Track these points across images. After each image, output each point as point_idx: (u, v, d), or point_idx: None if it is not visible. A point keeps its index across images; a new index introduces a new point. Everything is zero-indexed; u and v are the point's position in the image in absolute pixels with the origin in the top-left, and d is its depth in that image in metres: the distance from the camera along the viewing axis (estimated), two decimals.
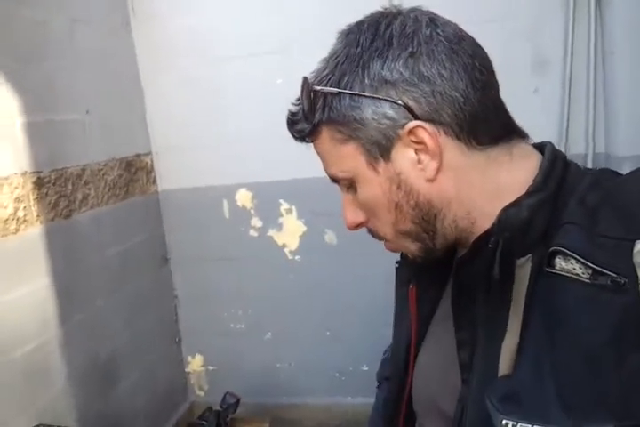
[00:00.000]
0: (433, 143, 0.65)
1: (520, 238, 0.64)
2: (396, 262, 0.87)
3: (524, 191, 0.66)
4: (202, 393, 2.73)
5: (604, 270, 0.56)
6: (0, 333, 1.60)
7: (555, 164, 0.68)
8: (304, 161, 2.32)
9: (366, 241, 2.56)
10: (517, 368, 0.61)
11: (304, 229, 2.51)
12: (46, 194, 1.81)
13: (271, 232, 2.53)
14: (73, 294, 1.92)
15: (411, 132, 0.66)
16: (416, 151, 0.67)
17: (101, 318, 2.07)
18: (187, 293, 2.66)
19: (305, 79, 0.70)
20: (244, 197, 2.51)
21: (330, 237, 2.48)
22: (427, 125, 0.65)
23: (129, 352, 2.23)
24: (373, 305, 2.31)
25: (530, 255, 0.63)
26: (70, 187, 1.93)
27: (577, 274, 0.58)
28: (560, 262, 0.60)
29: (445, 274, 0.79)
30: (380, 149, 0.68)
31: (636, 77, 2.03)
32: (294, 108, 0.73)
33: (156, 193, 2.55)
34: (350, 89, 0.67)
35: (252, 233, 2.54)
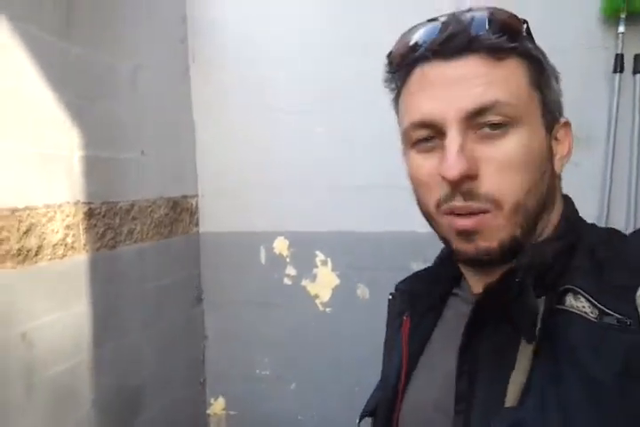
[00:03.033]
0: (570, 143, 0.73)
1: (542, 278, 0.66)
2: (390, 294, 0.90)
3: (549, 233, 0.71)
4: None
5: (610, 312, 0.59)
6: (36, 351, 1.67)
7: (576, 215, 0.74)
8: (343, 214, 2.43)
9: None
10: (524, 400, 0.62)
11: (337, 281, 2.54)
12: (95, 225, 1.92)
13: (305, 282, 2.57)
14: (108, 323, 1.99)
15: (563, 124, 0.72)
16: (559, 142, 0.72)
17: (132, 350, 2.13)
18: (216, 334, 2.70)
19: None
20: (281, 245, 2.58)
21: (362, 291, 2.51)
22: (570, 127, 0.74)
23: (154, 386, 2.27)
24: None
25: (544, 298, 0.65)
26: (118, 220, 2.04)
27: (585, 312, 0.61)
28: (570, 300, 0.63)
29: (438, 306, 0.82)
30: (550, 119, 0.71)
31: None
32: (481, 16, 0.66)
33: (197, 234, 2.65)
34: (544, 55, 0.74)
35: (286, 281, 2.59)
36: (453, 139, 0.64)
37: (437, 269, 0.87)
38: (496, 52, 0.65)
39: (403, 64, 0.69)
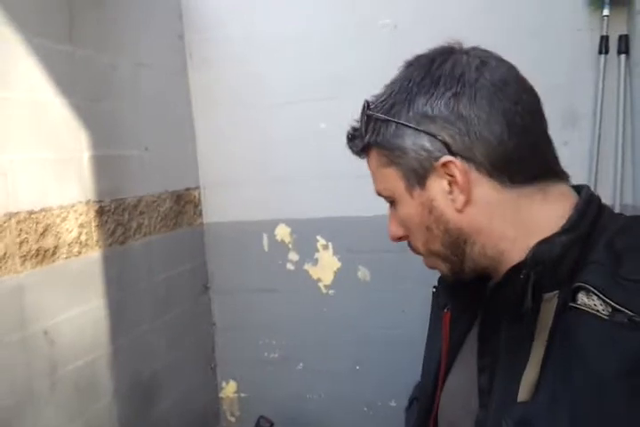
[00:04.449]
0: (462, 178, 0.70)
1: (550, 274, 0.66)
2: (434, 287, 0.91)
3: (556, 229, 0.69)
4: (233, 419, 2.81)
5: (622, 308, 0.58)
6: (58, 348, 1.74)
7: (589, 205, 0.71)
8: (342, 200, 2.50)
9: (398, 278, 2.65)
10: (535, 396, 0.64)
11: (339, 265, 2.61)
12: (106, 221, 1.98)
13: (307, 266, 2.64)
14: (122, 316, 2.06)
15: (444, 165, 0.70)
16: (449, 183, 0.71)
17: (145, 340, 2.20)
18: (224, 321, 2.78)
19: (365, 102, 0.77)
20: (283, 232, 2.65)
21: (363, 273, 2.58)
22: (458, 161, 0.70)
23: (168, 374, 2.35)
24: (401, 341, 2.39)
25: (557, 291, 0.66)
26: (127, 216, 2.09)
27: (597, 310, 0.60)
28: (582, 298, 0.62)
29: (479, 302, 0.81)
30: (417, 177, 0.73)
31: None
32: (355, 125, 0.79)
33: (202, 225, 2.71)
34: (397, 118, 0.72)
35: (289, 266, 2.66)
36: (388, 210, 0.81)
37: None
38: (362, 153, 0.79)
39: None
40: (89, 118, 1.92)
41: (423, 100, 0.71)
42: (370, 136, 0.76)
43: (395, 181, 0.76)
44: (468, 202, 0.71)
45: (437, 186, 0.73)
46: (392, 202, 0.79)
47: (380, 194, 0.80)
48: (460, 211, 0.72)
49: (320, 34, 2.51)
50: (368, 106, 0.76)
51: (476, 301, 0.82)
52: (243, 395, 2.79)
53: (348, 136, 0.80)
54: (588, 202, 0.72)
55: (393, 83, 0.76)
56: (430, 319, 0.94)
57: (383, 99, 0.75)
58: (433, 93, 0.71)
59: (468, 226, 0.73)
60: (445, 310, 0.85)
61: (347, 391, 2.65)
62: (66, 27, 1.85)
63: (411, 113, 0.72)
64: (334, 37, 2.49)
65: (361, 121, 0.77)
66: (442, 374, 0.85)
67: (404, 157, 0.73)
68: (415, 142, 0.72)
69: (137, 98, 2.22)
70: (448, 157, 0.70)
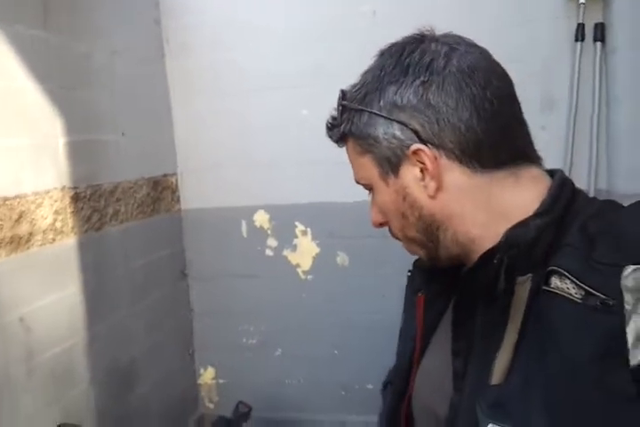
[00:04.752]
0: (432, 165, 0.71)
1: (524, 257, 0.67)
2: (409, 271, 0.91)
3: (529, 213, 0.69)
4: (211, 405, 2.83)
5: (595, 292, 0.59)
6: (34, 335, 1.73)
7: (563, 189, 0.72)
8: (320, 186, 2.50)
9: (376, 264, 2.67)
10: (509, 379, 0.65)
11: (317, 250, 2.62)
12: (81, 208, 1.95)
13: (286, 252, 2.65)
14: (99, 302, 2.05)
15: (414, 153, 0.72)
16: (421, 170, 0.73)
17: (123, 326, 2.20)
18: (202, 307, 2.78)
19: (340, 92, 0.79)
20: (261, 218, 2.65)
21: (342, 258, 2.60)
22: (427, 149, 0.71)
23: (146, 360, 2.34)
24: (380, 326, 2.41)
25: (530, 275, 0.67)
26: (103, 202, 2.08)
27: (570, 293, 0.60)
28: (555, 281, 0.62)
29: (454, 286, 0.82)
30: (390, 165, 0.75)
31: (638, 118, 2.15)
32: (334, 114, 0.81)
33: (179, 211, 2.69)
34: (369, 108, 0.74)
35: (268, 252, 2.66)
36: (369, 199, 0.83)
37: None
38: (339, 142, 0.81)
39: None
40: (64, 104, 1.89)
41: (394, 89, 0.73)
42: (345, 126, 0.78)
43: (370, 169, 0.78)
44: (439, 188, 0.73)
45: (410, 173, 0.74)
46: (370, 189, 0.81)
47: (358, 182, 0.82)
48: (432, 197, 0.74)
49: (300, 20, 2.49)
50: (343, 96, 0.78)
51: (450, 285, 0.82)
52: (221, 381, 2.80)
53: (327, 125, 0.82)
54: (561, 185, 0.72)
55: (366, 72, 0.78)
56: (405, 302, 0.95)
57: (357, 88, 0.77)
58: (402, 82, 0.72)
59: (441, 212, 0.74)
60: (420, 294, 0.86)
61: (325, 376, 2.67)
62: (40, 13, 1.81)
63: (382, 102, 0.73)
64: (314, 23, 2.48)
65: (337, 111, 0.79)
66: (416, 356, 0.86)
67: (377, 146, 0.75)
68: (387, 131, 0.74)
69: (113, 84, 2.19)
70: (418, 145, 0.71)
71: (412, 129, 0.72)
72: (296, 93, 2.50)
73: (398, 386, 0.91)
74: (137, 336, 2.29)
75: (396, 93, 0.72)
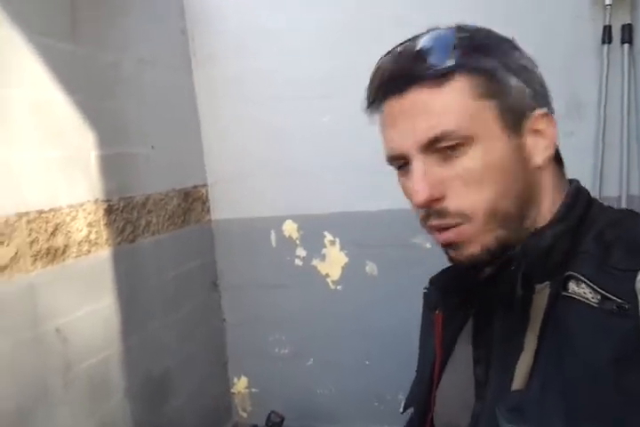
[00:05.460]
0: (553, 133, 0.70)
1: (541, 264, 0.68)
2: (425, 288, 0.88)
3: (547, 219, 0.71)
4: (245, 414, 2.83)
5: (611, 296, 0.60)
6: (70, 346, 1.76)
7: (578, 198, 0.72)
8: (349, 195, 2.50)
9: (405, 273, 2.65)
10: (529, 384, 0.65)
11: (346, 260, 2.62)
12: (114, 220, 1.99)
13: (315, 262, 2.65)
14: (133, 313, 2.07)
15: (542, 115, 0.70)
16: (539, 135, 0.71)
17: (156, 337, 2.22)
18: (234, 317, 2.79)
19: (456, 25, 0.71)
20: (290, 228, 2.66)
21: (371, 268, 2.59)
22: (552, 117, 0.71)
23: (180, 371, 2.36)
24: (410, 336, 2.39)
25: (548, 282, 0.68)
26: (135, 214, 2.11)
27: (587, 298, 0.62)
28: (573, 286, 0.63)
29: (470, 300, 0.80)
30: (515, 119, 0.69)
31: None
32: (425, 42, 0.69)
33: (210, 222, 2.72)
34: (500, 57, 0.70)
35: (297, 262, 2.67)
36: (415, 168, 0.69)
37: None
38: (437, 79, 0.67)
39: (374, 99, 0.74)
40: (94, 116, 1.93)
41: (517, 54, 0.72)
42: (469, 60, 0.68)
43: (486, 118, 0.68)
44: (551, 158, 0.72)
45: (529, 134, 0.71)
46: (451, 147, 0.68)
47: (441, 136, 0.67)
48: (542, 165, 0.71)
49: (324, 26, 2.50)
50: (463, 29, 0.71)
51: (467, 299, 0.80)
52: (254, 390, 2.81)
53: (414, 55, 0.69)
54: (576, 194, 0.73)
55: (477, 29, 0.72)
56: (423, 320, 0.92)
57: (482, 35, 0.72)
58: (520, 50, 0.73)
59: (542, 184, 0.72)
60: (437, 312, 0.82)
61: (356, 386, 2.66)
62: (67, 25, 1.85)
63: (512, 59, 0.71)
64: (338, 30, 2.48)
65: (456, 38, 0.69)
66: (437, 373, 0.84)
67: (508, 95, 0.69)
68: (519, 86, 0.69)
69: (141, 95, 2.22)
70: (545, 110, 0.71)
71: (540, 94, 0.71)
72: (322, 101, 2.50)
73: (421, 404, 0.89)
74: (170, 347, 2.31)
75: (520, 58, 0.71)
